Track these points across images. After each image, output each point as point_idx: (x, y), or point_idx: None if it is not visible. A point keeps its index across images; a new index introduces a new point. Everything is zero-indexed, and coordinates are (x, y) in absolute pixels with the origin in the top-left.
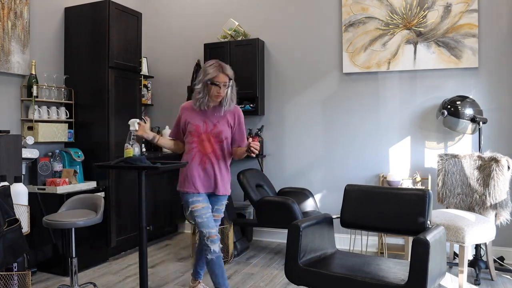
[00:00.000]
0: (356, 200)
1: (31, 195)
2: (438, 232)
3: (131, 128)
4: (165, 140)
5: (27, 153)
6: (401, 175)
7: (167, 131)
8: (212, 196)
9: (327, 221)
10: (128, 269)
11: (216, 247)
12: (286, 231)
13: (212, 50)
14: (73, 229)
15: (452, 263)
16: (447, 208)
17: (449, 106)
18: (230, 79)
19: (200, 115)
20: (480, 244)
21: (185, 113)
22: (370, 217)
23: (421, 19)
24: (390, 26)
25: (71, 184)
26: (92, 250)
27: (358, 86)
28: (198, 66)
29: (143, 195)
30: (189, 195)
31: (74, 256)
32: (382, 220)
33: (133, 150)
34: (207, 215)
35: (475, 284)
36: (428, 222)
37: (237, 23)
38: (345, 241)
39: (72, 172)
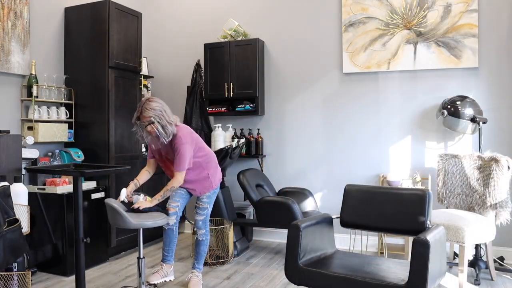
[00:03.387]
0: (356, 200)
1: (31, 195)
2: (438, 232)
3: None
4: (143, 177)
5: (27, 153)
6: (401, 175)
7: None
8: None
9: (327, 221)
10: (128, 269)
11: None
12: (286, 231)
13: (212, 50)
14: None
15: (452, 263)
16: (447, 208)
17: (449, 106)
18: (150, 117)
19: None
20: (480, 244)
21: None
22: (370, 217)
23: (421, 19)
24: (390, 26)
25: (71, 184)
26: (92, 250)
27: (358, 86)
28: (198, 66)
29: (80, 203)
30: None
31: (142, 256)
32: (382, 220)
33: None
34: None
35: (475, 284)
36: (428, 222)
37: (237, 23)
38: (345, 241)
39: None
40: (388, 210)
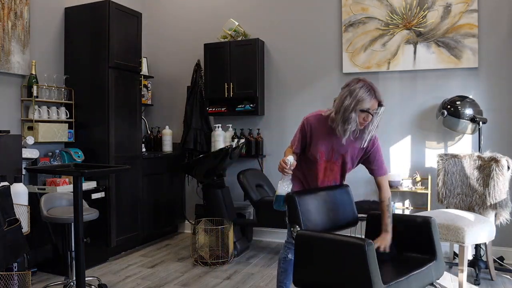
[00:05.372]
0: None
1: (31, 195)
2: None
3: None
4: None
5: (27, 153)
6: (401, 175)
7: (167, 131)
8: None
9: None
10: (128, 269)
11: None
12: (286, 231)
13: (212, 50)
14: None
15: (452, 263)
16: (447, 208)
17: (449, 106)
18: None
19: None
20: (480, 244)
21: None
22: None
23: (421, 19)
24: (390, 26)
25: (71, 184)
26: (92, 250)
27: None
28: (198, 66)
29: (81, 203)
30: None
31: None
32: (329, 221)
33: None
34: None
35: (475, 284)
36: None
37: (237, 23)
38: None
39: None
40: (329, 210)
